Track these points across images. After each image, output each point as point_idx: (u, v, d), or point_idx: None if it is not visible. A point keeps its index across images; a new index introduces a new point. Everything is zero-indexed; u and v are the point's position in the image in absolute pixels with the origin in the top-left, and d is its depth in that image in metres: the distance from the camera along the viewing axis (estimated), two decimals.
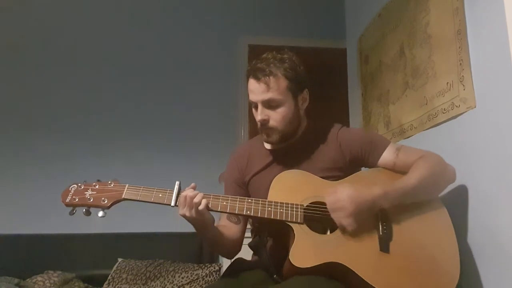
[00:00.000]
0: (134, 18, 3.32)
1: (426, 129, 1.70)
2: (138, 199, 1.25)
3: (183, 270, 2.43)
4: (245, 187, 1.47)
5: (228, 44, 3.40)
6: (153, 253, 2.62)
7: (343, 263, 1.18)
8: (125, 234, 2.73)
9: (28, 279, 2.38)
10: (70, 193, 1.28)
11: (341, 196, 1.20)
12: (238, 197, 1.28)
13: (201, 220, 1.23)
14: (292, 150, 1.42)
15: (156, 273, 2.44)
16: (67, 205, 1.27)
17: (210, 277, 2.41)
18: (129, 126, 3.16)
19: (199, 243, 2.70)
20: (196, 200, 1.21)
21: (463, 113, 1.47)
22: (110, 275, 2.47)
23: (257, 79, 1.33)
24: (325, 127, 1.47)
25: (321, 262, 1.17)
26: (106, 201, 1.25)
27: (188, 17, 3.38)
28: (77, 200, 1.26)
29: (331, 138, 1.43)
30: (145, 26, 3.32)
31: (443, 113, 1.58)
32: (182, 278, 2.38)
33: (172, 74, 3.29)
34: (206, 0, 3.44)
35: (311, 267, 1.16)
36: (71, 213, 1.27)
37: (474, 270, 1.36)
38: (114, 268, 2.52)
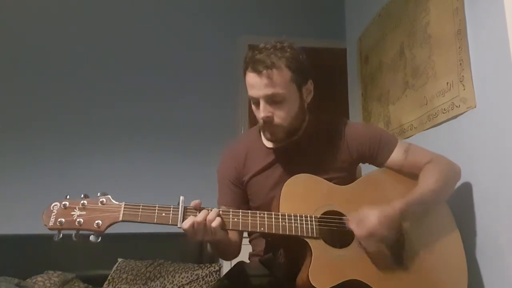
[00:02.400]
0: (134, 18, 3.32)
1: (426, 129, 1.70)
2: (138, 220, 1.09)
3: (183, 270, 2.43)
4: (243, 187, 1.37)
5: (228, 44, 3.40)
6: (153, 253, 2.62)
7: (361, 280, 1.15)
8: (125, 234, 2.68)
9: (28, 279, 2.39)
10: (53, 213, 1.07)
11: (371, 225, 1.13)
12: (250, 212, 1.17)
13: (213, 239, 1.14)
14: (295, 149, 1.32)
15: (156, 273, 2.44)
16: (51, 229, 1.07)
17: (210, 277, 2.41)
18: (129, 126, 3.15)
19: (199, 243, 2.70)
20: (213, 225, 1.10)
21: (463, 113, 1.47)
22: (110, 275, 2.48)
23: (258, 72, 1.20)
24: (330, 123, 1.39)
25: (341, 281, 1.13)
26: (100, 225, 1.06)
27: (188, 17, 3.38)
28: (63, 222, 1.06)
29: (338, 136, 1.35)
30: (145, 26, 3.31)
31: (443, 113, 1.58)
32: (182, 278, 2.38)
33: (172, 74, 3.28)
34: (206, 0, 3.44)
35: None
36: (56, 239, 1.07)
37: (475, 269, 1.36)
38: (114, 268, 2.52)
